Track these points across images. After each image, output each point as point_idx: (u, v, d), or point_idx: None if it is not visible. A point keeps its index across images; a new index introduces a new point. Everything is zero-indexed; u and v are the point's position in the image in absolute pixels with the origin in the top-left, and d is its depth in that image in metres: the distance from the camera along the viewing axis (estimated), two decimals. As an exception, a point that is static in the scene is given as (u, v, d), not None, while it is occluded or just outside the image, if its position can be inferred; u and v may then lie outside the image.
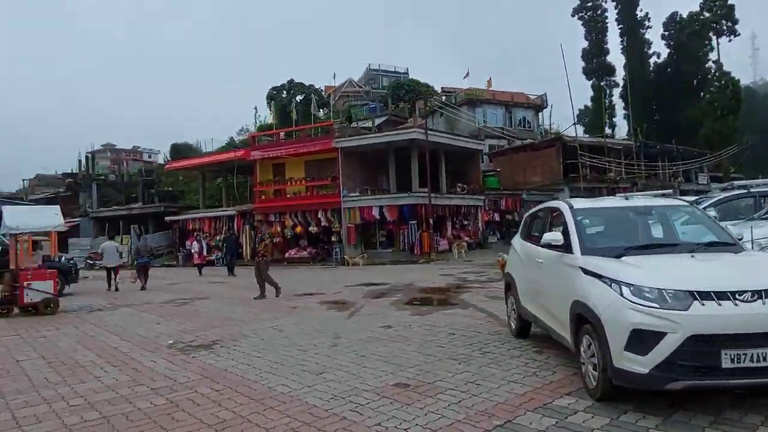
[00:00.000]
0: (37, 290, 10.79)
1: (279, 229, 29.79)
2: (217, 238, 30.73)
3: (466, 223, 29.89)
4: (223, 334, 8.07)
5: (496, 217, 31.82)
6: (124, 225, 38.02)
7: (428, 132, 26.69)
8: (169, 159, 46.99)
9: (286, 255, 29.34)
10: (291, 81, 57.74)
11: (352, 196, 27.57)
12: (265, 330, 8.29)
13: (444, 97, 46.09)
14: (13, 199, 40.93)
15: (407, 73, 72.81)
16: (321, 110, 49.56)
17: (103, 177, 47.69)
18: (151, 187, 43.50)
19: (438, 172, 28.97)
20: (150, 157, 63.97)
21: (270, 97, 56.29)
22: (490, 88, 43.78)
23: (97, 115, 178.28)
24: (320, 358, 6.10)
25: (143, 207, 38.90)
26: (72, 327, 9.38)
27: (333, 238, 28.18)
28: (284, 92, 56.70)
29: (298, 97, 52.91)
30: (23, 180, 64.15)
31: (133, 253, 20.72)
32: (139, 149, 69.93)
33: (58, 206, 13.32)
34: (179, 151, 49.80)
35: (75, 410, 4.60)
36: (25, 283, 10.78)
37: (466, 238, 27.87)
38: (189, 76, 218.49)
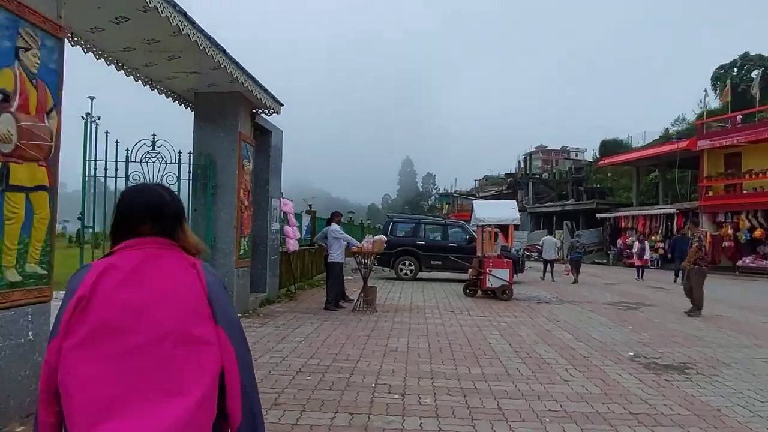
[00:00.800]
0: (497, 277, 11.97)
1: (730, 231, 25.32)
2: (652, 238, 28.31)
3: None
4: (693, 355, 6.86)
5: None
6: (556, 221, 39.66)
7: None
8: (597, 156, 46.56)
9: (739, 263, 24.68)
10: (744, 55, 48.07)
11: None
12: (750, 360, 6.65)
13: None
14: (469, 196, 48.69)
15: None
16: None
17: (537, 176, 51.46)
18: (580, 184, 44.13)
19: None
20: (577, 155, 65.27)
21: (716, 78, 48.45)
22: None
23: (529, 121, 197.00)
24: None
25: (575, 204, 39.67)
26: (527, 317, 9.86)
27: (813, 247, 21.85)
28: (734, 69, 47.80)
29: (754, 73, 43.51)
30: (474, 180, 75.83)
31: (567, 249, 21.23)
32: (567, 148, 72.45)
33: (515, 201, 14.70)
34: (608, 147, 48.73)
35: (553, 417, 4.44)
36: (487, 270, 12.11)
37: None
38: (613, 74, 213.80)
